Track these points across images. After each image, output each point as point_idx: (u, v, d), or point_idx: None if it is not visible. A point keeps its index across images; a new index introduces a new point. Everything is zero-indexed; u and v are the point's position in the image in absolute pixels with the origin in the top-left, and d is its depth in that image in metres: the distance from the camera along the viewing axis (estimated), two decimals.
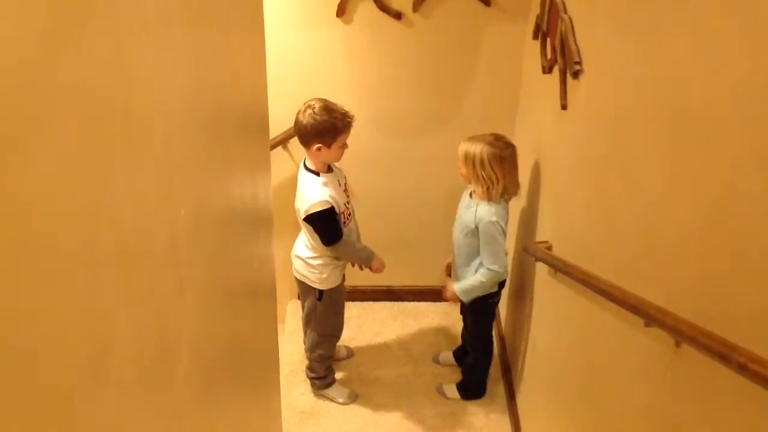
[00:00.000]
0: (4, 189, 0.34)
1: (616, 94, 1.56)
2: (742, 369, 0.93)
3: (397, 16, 2.63)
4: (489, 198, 2.27)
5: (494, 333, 2.74)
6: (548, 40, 2.18)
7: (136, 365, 0.57)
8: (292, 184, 2.58)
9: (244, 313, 1.21)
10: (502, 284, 2.49)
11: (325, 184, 2.30)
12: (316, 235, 2.37)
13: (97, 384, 0.48)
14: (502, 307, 3.00)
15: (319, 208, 2.26)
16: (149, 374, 0.61)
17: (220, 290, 0.96)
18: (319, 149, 2.24)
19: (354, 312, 3.13)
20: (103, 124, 0.48)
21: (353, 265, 2.56)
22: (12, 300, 0.35)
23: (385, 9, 2.62)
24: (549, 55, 2.17)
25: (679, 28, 1.23)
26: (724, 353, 0.98)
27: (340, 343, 2.81)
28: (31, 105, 0.37)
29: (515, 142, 2.33)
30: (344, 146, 2.29)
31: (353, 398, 2.72)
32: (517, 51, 2.71)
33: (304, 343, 2.72)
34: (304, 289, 2.55)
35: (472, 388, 2.73)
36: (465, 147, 2.26)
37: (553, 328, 2.14)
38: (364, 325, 3.13)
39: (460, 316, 2.74)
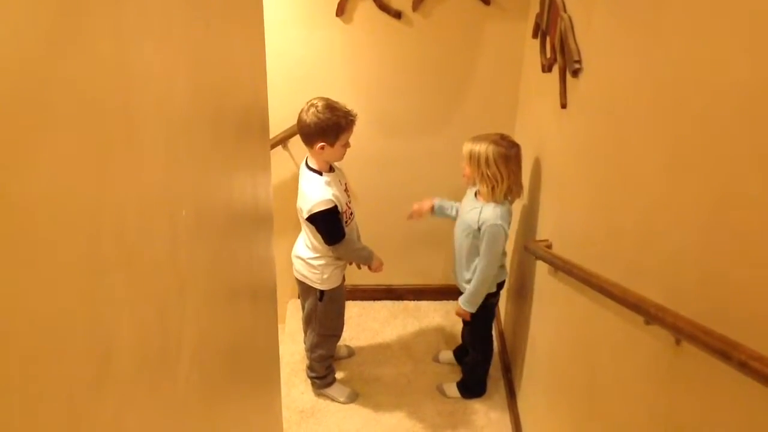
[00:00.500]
0: (6, 190, 0.34)
1: (615, 92, 1.56)
2: (743, 366, 0.93)
3: (397, 15, 2.63)
4: (494, 198, 2.26)
5: (494, 331, 2.74)
6: (548, 38, 2.18)
7: (138, 364, 0.57)
8: (292, 183, 2.58)
9: (244, 313, 1.21)
10: (501, 284, 2.49)
11: (328, 183, 2.30)
12: (317, 235, 2.37)
13: (100, 383, 0.48)
14: (502, 306, 3.00)
15: (323, 208, 2.26)
16: (151, 373, 0.61)
17: (221, 290, 0.96)
18: (322, 148, 2.24)
19: (354, 311, 3.13)
20: (104, 124, 0.48)
21: (351, 264, 2.56)
22: (15, 300, 0.35)
23: (384, 8, 2.62)
24: (549, 54, 2.17)
25: (679, 27, 1.23)
26: (724, 351, 0.98)
27: (340, 342, 2.81)
28: (33, 106, 0.37)
29: None
30: (347, 145, 2.29)
31: (354, 397, 2.72)
32: (517, 50, 2.71)
33: (305, 342, 2.72)
34: (305, 290, 2.55)
35: (472, 387, 2.73)
36: (469, 147, 2.26)
37: (554, 326, 2.14)
38: (365, 324, 3.13)
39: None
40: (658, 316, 1.22)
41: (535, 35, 2.39)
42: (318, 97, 2.25)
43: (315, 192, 2.28)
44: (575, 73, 1.83)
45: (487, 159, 2.21)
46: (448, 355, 2.91)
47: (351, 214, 2.45)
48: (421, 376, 2.84)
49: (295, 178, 2.47)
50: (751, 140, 0.98)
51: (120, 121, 0.51)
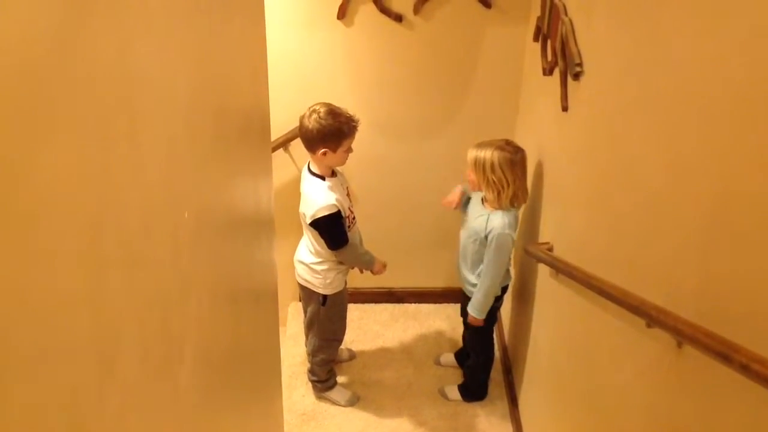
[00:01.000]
0: (10, 190, 0.34)
1: (616, 95, 1.57)
2: (744, 369, 0.93)
3: (398, 18, 2.64)
4: (500, 204, 2.24)
5: (496, 334, 2.74)
6: (549, 42, 2.18)
7: (141, 366, 0.57)
8: (293, 186, 2.58)
9: (246, 316, 1.21)
10: (505, 288, 2.49)
11: (331, 188, 2.30)
12: (320, 240, 2.37)
13: (103, 383, 0.48)
14: (504, 309, 3.00)
15: (326, 213, 2.26)
16: (153, 375, 0.61)
17: (223, 292, 0.96)
18: (324, 154, 2.24)
19: (355, 314, 3.13)
20: (107, 125, 0.48)
21: (352, 268, 2.56)
22: (19, 301, 0.36)
23: (385, 11, 2.62)
24: (550, 57, 2.17)
25: (680, 29, 1.23)
26: (725, 353, 0.98)
27: (341, 345, 2.81)
28: (35, 106, 0.37)
29: None
30: (349, 150, 2.29)
31: (355, 400, 2.72)
32: (518, 53, 2.71)
33: (306, 345, 2.72)
34: (307, 294, 2.55)
35: (473, 390, 2.73)
36: (474, 153, 2.24)
37: (555, 329, 2.14)
38: (366, 327, 3.13)
39: (461, 319, 2.73)
40: (659, 319, 1.22)
41: (536, 38, 2.40)
42: (320, 103, 2.24)
43: (318, 197, 2.28)
44: (576, 76, 1.83)
45: (492, 165, 2.19)
46: (449, 357, 2.91)
47: (353, 218, 2.45)
48: (422, 379, 2.84)
49: (297, 181, 2.48)
50: (750, 142, 0.98)
51: (122, 122, 0.51)
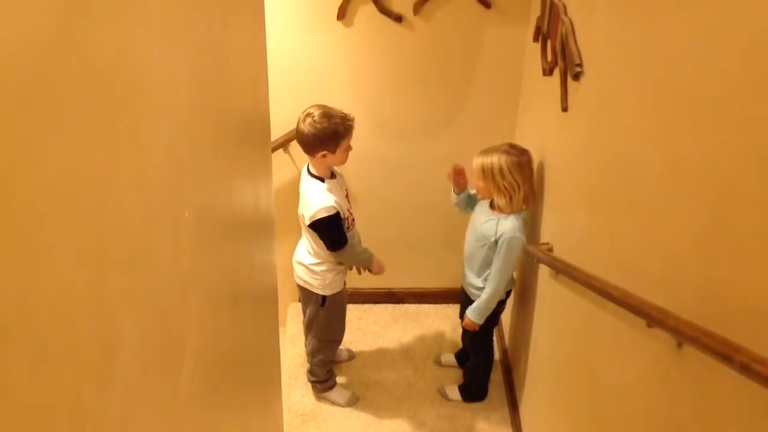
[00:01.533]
0: (10, 192, 0.34)
1: (616, 96, 1.57)
2: (744, 369, 0.93)
3: (398, 19, 2.64)
4: (512, 207, 2.22)
5: (496, 335, 2.74)
6: (549, 42, 2.18)
7: (141, 366, 0.57)
8: (293, 187, 2.58)
9: (246, 316, 1.21)
10: (509, 292, 2.48)
11: (330, 189, 2.30)
12: (319, 241, 2.37)
13: (104, 384, 0.48)
14: (504, 310, 3.00)
15: (325, 214, 2.26)
16: (154, 375, 0.61)
17: (223, 293, 0.96)
18: (324, 156, 2.23)
19: (355, 314, 3.13)
20: (107, 126, 0.48)
21: (350, 269, 2.56)
22: (21, 301, 0.36)
23: (385, 12, 2.62)
24: (550, 58, 2.17)
25: (680, 30, 1.23)
26: (725, 353, 0.98)
27: (341, 346, 2.81)
28: (36, 106, 0.37)
29: None
30: (348, 149, 2.28)
31: (354, 401, 2.72)
32: (518, 53, 2.71)
33: (305, 346, 2.72)
34: (306, 295, 2.55)
35: (473, 391, 2.72)
36: (480, 160, 2.21)
37: (555, 329, 2.14)
38: (365, 328, 3.13)
39: (461, 320, 2.73)
40: (659, 319, 1.22)
41: (536, 39, 2.40)
42: (314, 105, 2.23)
43: (317, 198, 2.27)
44: (576, 76, 1.83)
45: (501, 169, 2.16)
46: (450, 357, 2.91)
47: (352, 220, 2.45)
48: (421, 379, 2.84)
49: (296, 182, 2.47)
50: (751, 142, 0.98)
51: (123, 122, 0.51)
